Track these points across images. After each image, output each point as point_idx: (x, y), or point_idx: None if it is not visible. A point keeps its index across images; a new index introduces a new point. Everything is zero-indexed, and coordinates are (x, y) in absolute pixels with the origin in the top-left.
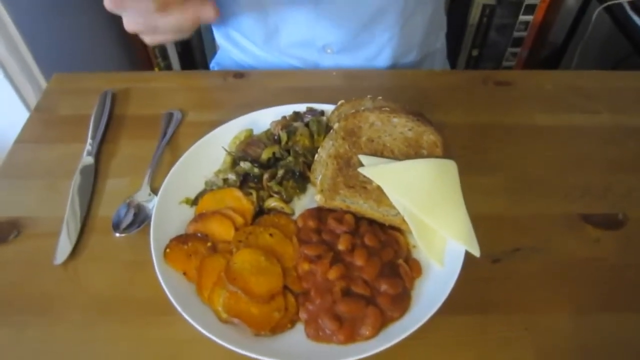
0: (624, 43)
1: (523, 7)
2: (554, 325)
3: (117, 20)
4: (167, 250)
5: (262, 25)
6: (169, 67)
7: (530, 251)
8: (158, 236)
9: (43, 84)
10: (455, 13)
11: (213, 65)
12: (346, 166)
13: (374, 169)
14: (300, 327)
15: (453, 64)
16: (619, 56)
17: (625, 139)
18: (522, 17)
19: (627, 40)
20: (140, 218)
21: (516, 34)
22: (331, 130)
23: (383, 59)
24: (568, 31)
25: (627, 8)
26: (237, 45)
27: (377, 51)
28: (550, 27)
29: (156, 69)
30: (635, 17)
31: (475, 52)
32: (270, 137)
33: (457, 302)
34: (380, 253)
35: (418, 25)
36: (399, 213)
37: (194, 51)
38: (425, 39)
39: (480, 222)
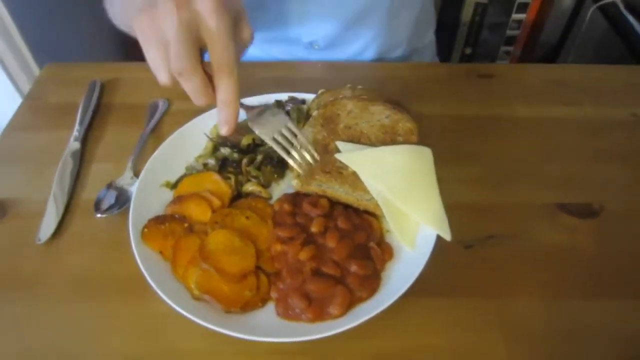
0: (618, 42)
1: (515, 6)
2: (525, 310)
3: None
4: (145, 230)
5: (250, 19)
6: None
7: (504, 238)
8: (137, 217)
9: (37, 73)
10: (447, 11)
11: None
12: (324, 152)
13: (350, 155)
14: (271, 306)
15: (445, 62)
16: (614, 55)
17: (606, 131)
18: (515, 16)
19: (622, 39)
20: (122, 200)
21: (509, 33)
22: (310, 118)
23: (369, 55)
24: (562, 30)
25: (622, 7)
26: None
27: (364, 47)
28: (543, 25)
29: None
30: (629, 16)
31: (468, 51)
32: None
33: (428, 286)
34: (352, 235)
35: (405, 22)
36: (373, 197)
37: None
38: (412, 35)
39: (456, 210)
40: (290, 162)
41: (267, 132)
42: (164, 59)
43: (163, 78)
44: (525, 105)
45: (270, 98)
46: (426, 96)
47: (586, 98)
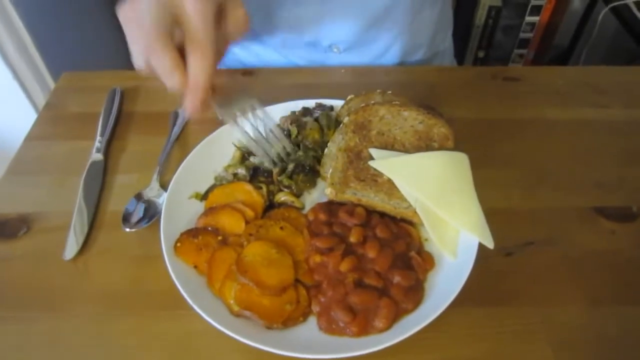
0: (631, 43)
1: (529, 8)
2: (569, 318)
3: None
4: (178, 243)
5: (267, 24)
6: None
7: (543, 244)
8: (168, 230)
9: (51, 84)
10: (461, 14)
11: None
12: (356, 159)
13: (385, 162)
14: (312, 321)
15: (459, 65)
16: (627, 56)
17: (637, 133)
18: (528, 18)
19: (634, 40)
20: (150, 213)
21: (522, 35)
22: (341, 124)
23: (390, 57)
24: (574, 33)
25: (634, 8)
26: (240, 45)
27: (384, 49)
28: (556, 28)
29: None
30: None
31: (481, 54)
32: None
33: (470, 295)
34: (392, 245)
35: (426, 23)
36: (410, 205)
37: None
38: (433, 36)
39: (493, 216)
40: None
41: (231, 115)
42: (139, 34)
43: (138, 62)
44: (554, 107)
45: (296, 105)
46: (453, 100)
47: (613, 100)
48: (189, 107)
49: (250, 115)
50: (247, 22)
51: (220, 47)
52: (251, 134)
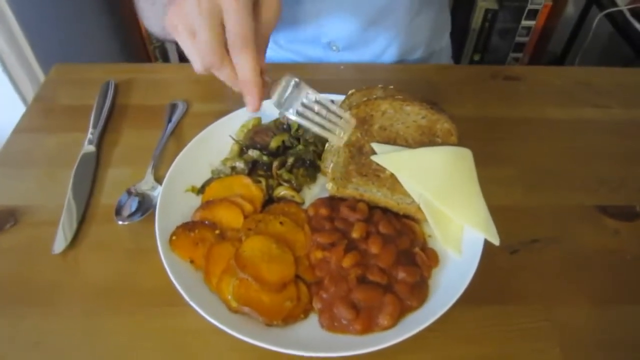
0: (626, 49)
1: (525, 12)
2: (576, 316)
3: (116, 15)
4: (173, 237)
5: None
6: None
7: (548, 242)
8: (163, 224)
9: (41, 76)
10: (457, 17)
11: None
12: (358, 154)
13: (387, 157)
14: (313, 318)
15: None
16: (620, 61)
17: (638, 133)
18: (524, 22)
19: (629, 45)
20: (144, 206)
21: (518, 39)
22: None
23: (389, 57)
24: (568, 38)
25: (628, 14)
26: None
27: (383, 48)
28: (551, 33)
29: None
30: (636, 23)
31: (477, 57)
32: (279, 126)
33: (475, 293)
34: (395, 241)
35: (425, 22)
36: (413, 201)
37: None
38: (431, 36)
39: (497, 213)
40: (328, 136)
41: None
42: (195, 48)
43: (197, 67)
44: (554, 107)
45: None
46: (454, 98)
47: (613, 100)
48: (248, 102)
49: (308, 100)
50: (280, 5)
51: (260, 42)
52: (315, 120)
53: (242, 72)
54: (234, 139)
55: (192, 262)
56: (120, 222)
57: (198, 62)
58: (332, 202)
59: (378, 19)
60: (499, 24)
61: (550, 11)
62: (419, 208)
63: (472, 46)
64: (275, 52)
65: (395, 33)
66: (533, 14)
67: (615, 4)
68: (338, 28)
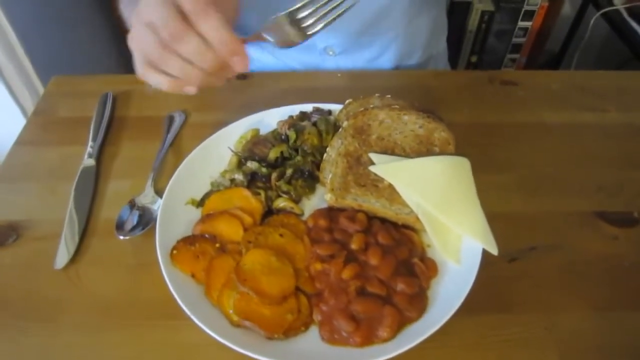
0: (622, 48)
1: (522, 13)
2: (575, 324)
3: (114, 27)
4: (174, 251)
5: (260, 25)
6: None
7: (546, 249)
8: (164, 237)
9: (40, 89)
10: (454, 19)
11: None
12: (356, 164)
13: (385, 167)
14: (314, 330)
15: (452, 70)
16: (617, 60)
17: (635, 137)
18: (521, 23)
19: (626, 45)
20: (145, 220)
21: (515, 40)
22: (340, 129)
23: (385, 61)
24: (565, 38)
25: (625, 14)
26: None
27: (380, 52)
28: (548, 33)
29: None
30: (632, 22)
31: (474, 59)
32: (277, 137)
33: (474, 302)
34: (394, 251)
35: (421, 28)
36: (412, 211)
37: None
38: (428, 40)
39: (495, 220)
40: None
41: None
42: (150, 29)
43: (154, 51)
44: (551, 111)
45: (294, 109)
46: (451, 104)
47: (610, 104)
48: (239, 63)
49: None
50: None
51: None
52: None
53: (212, 34)
54: (232, 151)
55: (193, 275)
56: (121, 237)
57: (154, 42)
58: (331, 212)
59: (374, 23)
60: (496, 26)
61: (546, 11)
62: (418, 218)
63: (469, 48)
64: (269, 59)
65: (392, 37)
66: (529, 15)
67: (612, 3)
68: (335, 32)
